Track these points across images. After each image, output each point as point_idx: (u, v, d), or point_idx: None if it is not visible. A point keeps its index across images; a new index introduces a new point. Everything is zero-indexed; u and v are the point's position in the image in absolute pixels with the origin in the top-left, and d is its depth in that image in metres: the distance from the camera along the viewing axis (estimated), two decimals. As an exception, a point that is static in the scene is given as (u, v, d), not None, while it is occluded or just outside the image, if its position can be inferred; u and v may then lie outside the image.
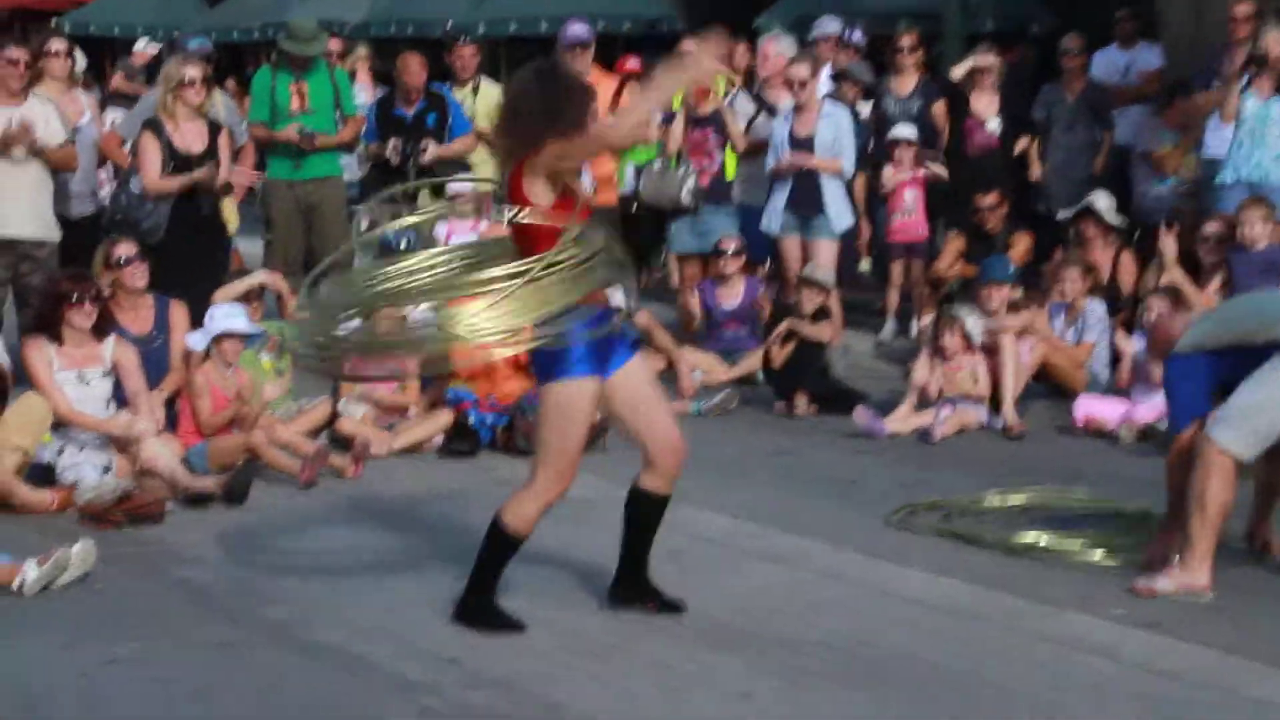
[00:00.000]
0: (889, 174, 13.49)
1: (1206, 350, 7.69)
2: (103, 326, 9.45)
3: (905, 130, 13.49)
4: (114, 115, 13.55)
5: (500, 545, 6.94)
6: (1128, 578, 7.60)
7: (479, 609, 6.97)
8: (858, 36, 14.90)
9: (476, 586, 7.00)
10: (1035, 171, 13.79)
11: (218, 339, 9.80)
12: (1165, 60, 14.50)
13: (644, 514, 7.13)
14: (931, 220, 13.60)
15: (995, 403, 11.02)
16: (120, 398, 9.50)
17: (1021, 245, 12.58)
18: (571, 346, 6.68)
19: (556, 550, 7.81)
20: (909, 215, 13.56)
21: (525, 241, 6.70)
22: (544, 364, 6.80)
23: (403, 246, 12.04)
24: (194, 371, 9.82)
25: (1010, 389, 10.96)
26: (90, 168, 12.23)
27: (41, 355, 9.28)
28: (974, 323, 11.08)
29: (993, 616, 7.16)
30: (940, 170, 13.52)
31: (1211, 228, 11.74)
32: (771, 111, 13.52)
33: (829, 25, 14.99)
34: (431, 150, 13.14)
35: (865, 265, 14.77)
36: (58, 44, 12.41)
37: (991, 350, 11.08)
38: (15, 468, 8.76)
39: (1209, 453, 7.36)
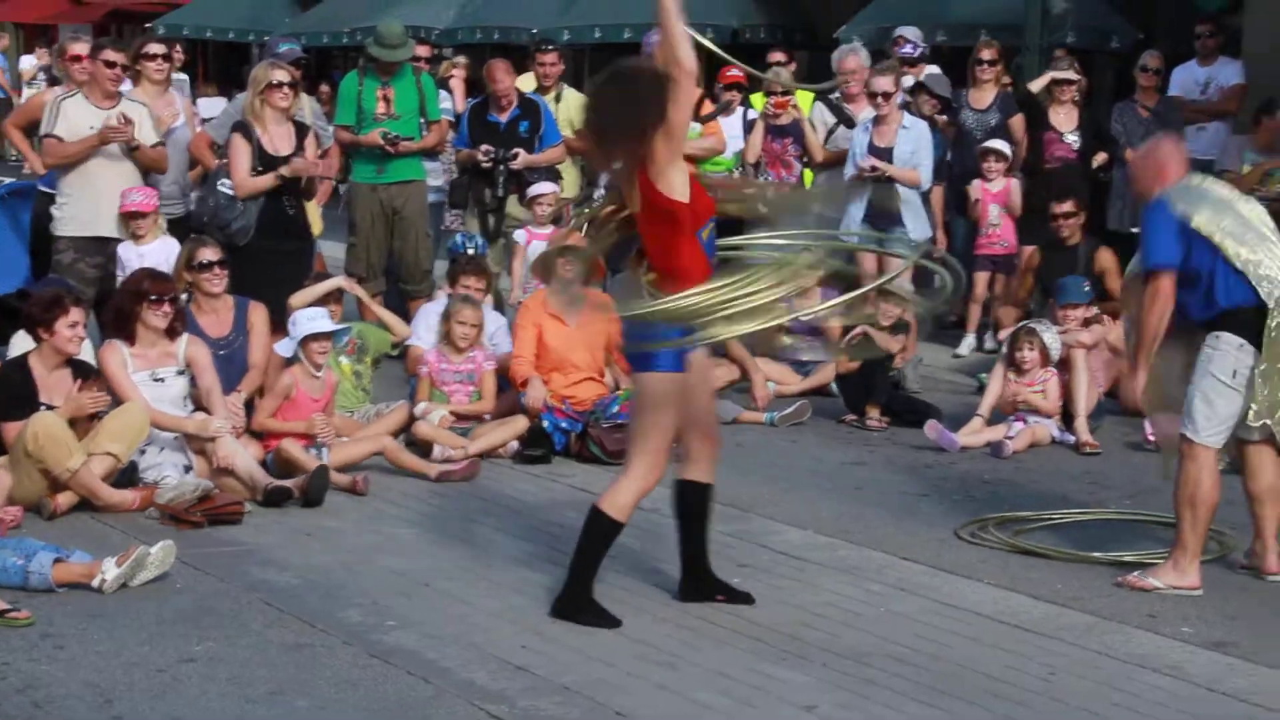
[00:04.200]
0: (977, 186, 13.47)
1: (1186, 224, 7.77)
2: (175, 327, 9.49)
3: (999, 142, 13.48)
4: None
5: (599, 534, 7.14)
6: (1197, 596, 7.66)
7: (578, 603, 7.14)
8: (908, 50, 14.74)
9: (576, 579, 7.19)
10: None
11: (304, 342, 9.88)
12: (1246, 77, 14.44)
13: (692, 505, 7.34)
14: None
15: (1067, 418, 11.02)
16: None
17: (1108, 264, 12.34)
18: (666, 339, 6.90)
19: (624, 559, 7.87)
20: (995, 229, 13.57)
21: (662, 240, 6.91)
22: (640, 354, 7.03)
23: (471, 251, 12.16)
24: (284, 373, 9.89)
25: (1083, 404, 10.95)
26: (182, 169, 12.30)
27: (116, 357, 9.33)
28: (1052, 338, 11.07)
29: (1060, 632, 7.18)
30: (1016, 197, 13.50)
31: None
32: (850, 123, 13.54)
33: (907, 36, 14.95)
34: (522, 158, 13.22)
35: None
36: (155, 47, 12.49)
37: (1065, 365, 11.08)
38: (104, 473, 8.82)
39: (1192, 452, 7.69)
